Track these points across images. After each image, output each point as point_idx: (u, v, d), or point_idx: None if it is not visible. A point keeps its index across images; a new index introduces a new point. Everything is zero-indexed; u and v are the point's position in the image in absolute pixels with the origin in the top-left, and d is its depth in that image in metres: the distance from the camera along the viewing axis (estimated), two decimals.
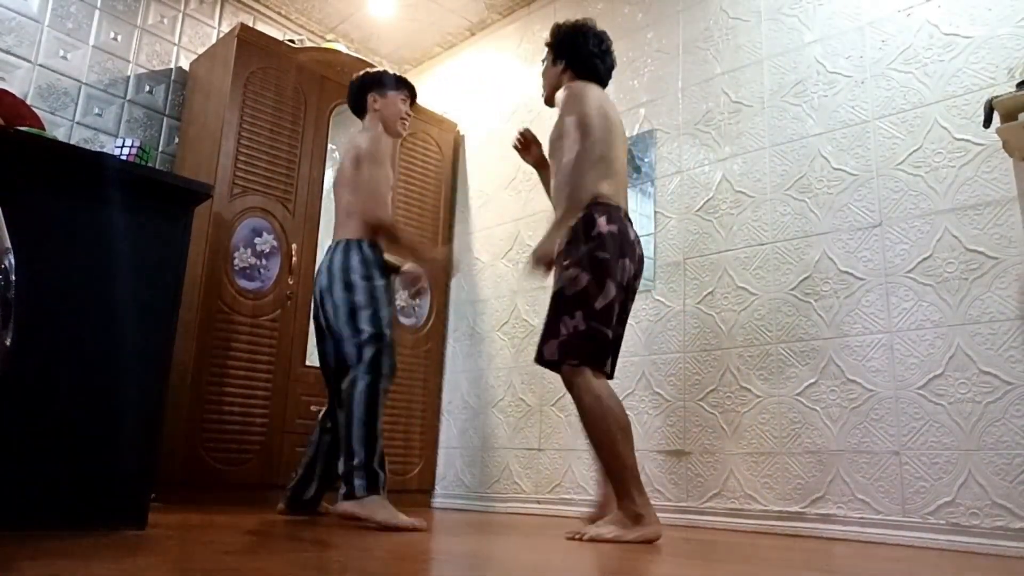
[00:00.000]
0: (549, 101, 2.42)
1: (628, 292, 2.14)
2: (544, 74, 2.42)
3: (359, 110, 2.69)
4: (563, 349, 2.00)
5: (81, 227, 1.66)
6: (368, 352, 2.30)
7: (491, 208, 3.78)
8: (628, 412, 2.06)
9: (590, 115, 2.11)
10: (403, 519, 2.10)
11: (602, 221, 2.04)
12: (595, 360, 2.00)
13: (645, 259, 2.30)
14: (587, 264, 2.01)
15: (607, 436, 1.92)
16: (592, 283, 1.99)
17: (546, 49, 2.40)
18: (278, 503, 2.55)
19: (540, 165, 2.49)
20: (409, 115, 2.71)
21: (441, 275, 2.46)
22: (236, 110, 3.14)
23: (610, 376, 2.11)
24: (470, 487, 3.46)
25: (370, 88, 2.66)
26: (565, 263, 2.06)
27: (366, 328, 2.32)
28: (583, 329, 1.98)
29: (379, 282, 2.41)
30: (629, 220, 2.16)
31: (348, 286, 2.36)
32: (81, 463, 1.59)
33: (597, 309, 1.98)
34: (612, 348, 2.09)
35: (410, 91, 2.72)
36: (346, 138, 3.68)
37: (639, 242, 2.19)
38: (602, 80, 2.32)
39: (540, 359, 2.07)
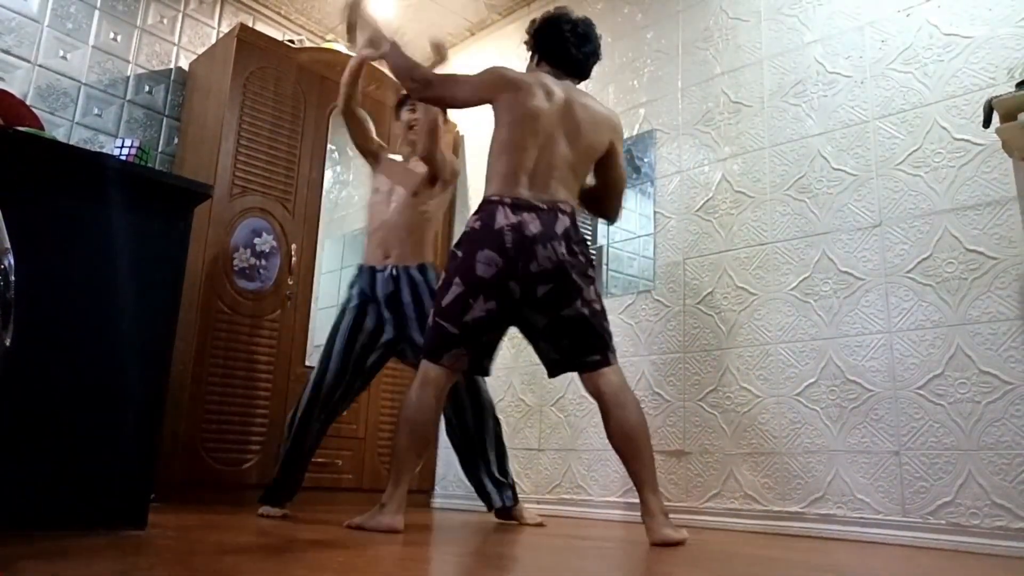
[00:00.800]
0: None
1: (493, 293, 1.95)
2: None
3: None
4: (423, 345, 2.06)
5: (81, 227, 1.66)
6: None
7: None
8: None
9: (496, 111, 2.15)
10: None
11: (470, 220, 2.03)
12: (431, 354, 2.00)
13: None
14: (447, 265, 2.05)
15: (408, 433, 1.95)
16: (444, 283, 2.02)
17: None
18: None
19: None
20: (412, 123, 2.71)
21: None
22: (236, 110, 3.14)
23: (484, 373, 2.12)
24: (470, 487, 3.45)
25: (395, 117, 2.80)
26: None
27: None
28: (431, 324, 2.02)
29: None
30: (518, 206, 1.98)
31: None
32: (81, 463, 1.59)
33: (443, 306, 1.99)
34: (460, 344, 1.97)
35: (401, 105, 2.77)
36: (345, 139, 3.68)
37: (524, 226, 1.95)
38: (577, 68, 2.20)
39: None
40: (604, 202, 2.27)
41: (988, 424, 2.08)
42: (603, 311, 2.04)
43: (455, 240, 2.09)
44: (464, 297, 1.95)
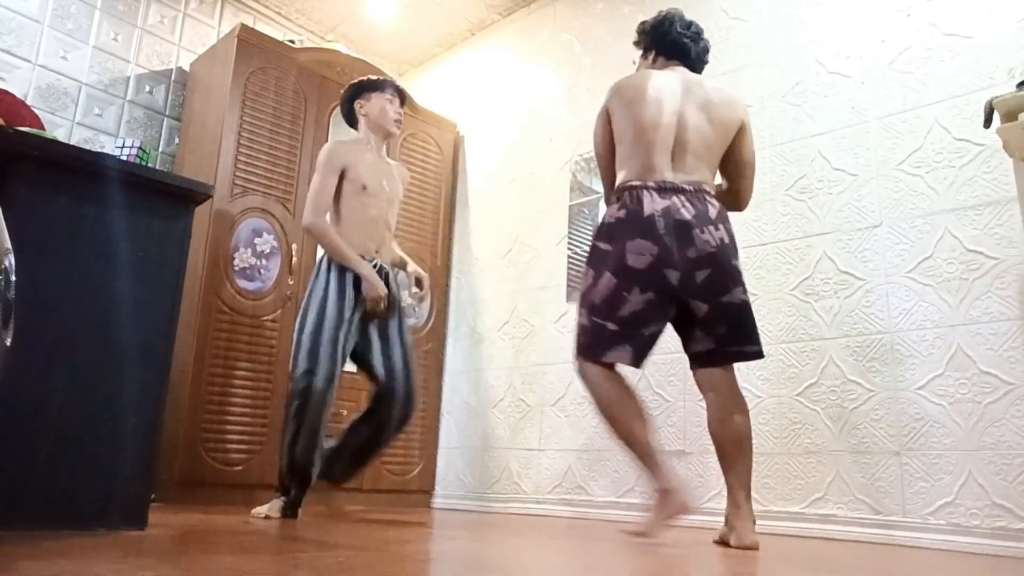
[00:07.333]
0: None
1: (650, 283, 1.91)
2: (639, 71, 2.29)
3: (352, 122, 2.75)
4: (576, 347, 2.00)
5: (81, 227, 1.66)
6: (299, 368, 2.37)
7: (491, 208, 3.78)
8: None
9: (617, 108, 2.09)
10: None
11: (611, 210, 2.01)
12: (589, 352, 1.94)
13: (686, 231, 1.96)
14: (590, 260, 2.02)
15: (610, 421, 1.91)
16: (592, 278, 1.98)
17: (638, 51, 2.31)
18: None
19: None
20: (400, 113, 2.73)
21: (371, 297, 2.49)
22: (236, 110, 3.14)
23: (636, 365, 1.95)
24: (470, 487, 3.46)
25: (355, 96, 2.71)
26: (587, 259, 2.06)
27: (302, 348, 2.38)
28: (585, 324, 1.97)
29: (329, 305, 2.44)
30: (664, 189, 1.95)
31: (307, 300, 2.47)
32: (81, 463, 1.59)
33: (596, 303, 1.95)
34: (621, 340, 1.92)
35: (395, 90, 2.74)
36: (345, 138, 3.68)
37: (676, 210, 1.92)
38: (694, 60, 2.20)
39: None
40: (732, 186, 2.16)
41: (988, 424, 2.08)
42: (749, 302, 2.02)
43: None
44: (618, 290, 1.91)
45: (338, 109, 3.47)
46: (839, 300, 2.45)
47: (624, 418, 1.89)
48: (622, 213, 1.96)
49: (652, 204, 1.93)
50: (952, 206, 2.27)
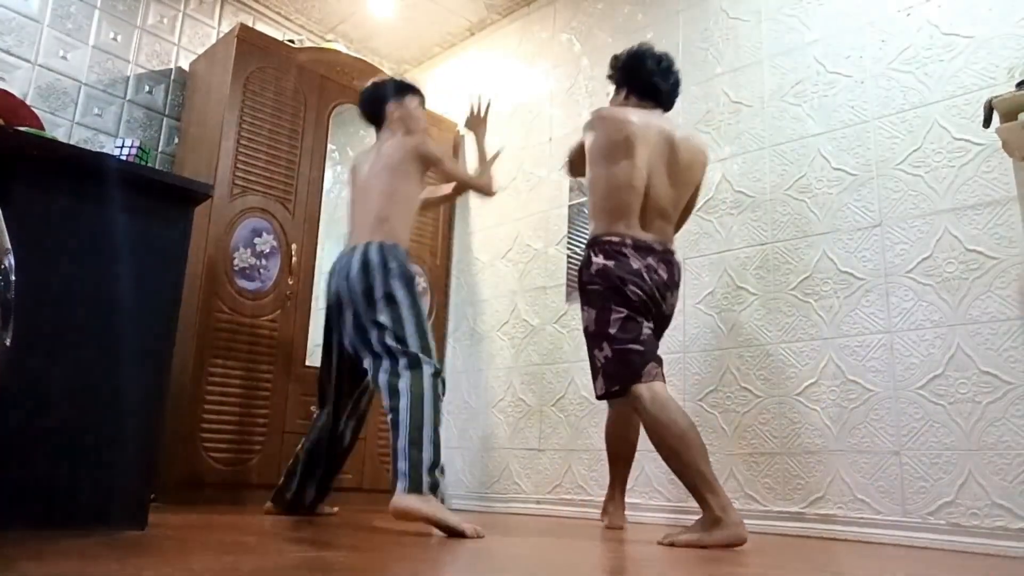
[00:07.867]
0: None
1: (647, 316, 2.10)
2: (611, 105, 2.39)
3: (376, 119, 2.60)
4: (607, 380, 2.06)
5: (81, 227, 1.66)
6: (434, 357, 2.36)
7: (491, 208, 3.78)
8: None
9: (595, 150, 2.20)
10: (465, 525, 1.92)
11: (599, 259, 2.11)
12: (635, 376, 1.99)
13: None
14: (587, 300, 2.13)
15: (664, 447, 1.94)
16: (599, 314, 2.08)
17: (611, 85, 2.40)
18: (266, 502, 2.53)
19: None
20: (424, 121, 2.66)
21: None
22: (236, 110, 3.14)
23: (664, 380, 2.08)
24: (470, 487, 3.46)
25: (390, 97, 2.57)
26: (581, 304, 2.17)
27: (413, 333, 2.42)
28: (608, 355, 2.04)
29: (419, 290, 2.48)
30: (639, 248, 2.10)
31: (407, 284, 2.42)
32: (81, 463, 1.59)
33: (613, 334, 2.04)
34: (650, 356, 2.03)
35: (422, 98, 2.66)
36: (345, 138, 3.68)
37: (654, 270, 2.10)
38: (664, 99, 2.31)
39: (599, 395, 2.11)
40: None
41: (988, 424, 2.08)
42: None
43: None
44: (629, 316, 2.06)
45: (338, 108, 3.49)
46: (839, 300, 2.45)
47: (683, 447, 1.92)
48: (611, 263, 2.09)
49: (637, 261, 2.09)
50: (952, 206, 2.27)
